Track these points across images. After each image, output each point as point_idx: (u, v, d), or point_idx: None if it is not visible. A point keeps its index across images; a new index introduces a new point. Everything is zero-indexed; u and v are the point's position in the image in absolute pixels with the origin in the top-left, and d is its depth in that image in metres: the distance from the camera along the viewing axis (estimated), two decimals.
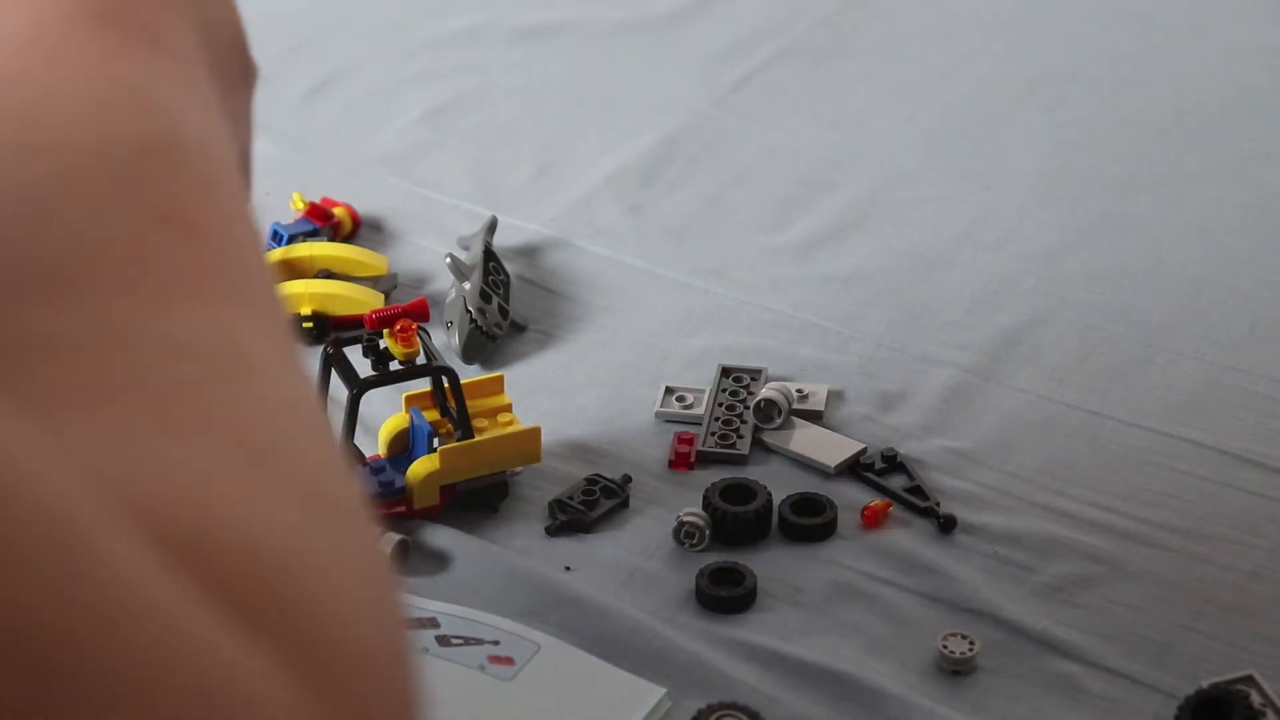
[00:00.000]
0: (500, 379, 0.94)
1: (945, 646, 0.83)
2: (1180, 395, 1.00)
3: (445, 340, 1.02)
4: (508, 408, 0.92)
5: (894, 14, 1.36)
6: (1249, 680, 0.82)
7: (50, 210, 0.46)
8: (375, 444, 0.93)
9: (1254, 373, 1.01)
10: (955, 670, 0.83)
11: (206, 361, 0.44)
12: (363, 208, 1.13)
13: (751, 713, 0.79)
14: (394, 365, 0.89)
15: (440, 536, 0.89)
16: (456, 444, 0.90)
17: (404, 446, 0.92)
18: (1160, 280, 1.09)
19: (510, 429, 0.91)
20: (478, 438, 0.90)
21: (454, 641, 0.83)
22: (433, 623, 0.84)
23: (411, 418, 0.91)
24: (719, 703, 0.80)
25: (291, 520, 0.41)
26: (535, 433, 0.92)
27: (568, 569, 0.89)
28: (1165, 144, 1.21)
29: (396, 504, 0.90)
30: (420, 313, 0.89)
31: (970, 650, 0.83)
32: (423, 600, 0.85)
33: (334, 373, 0.89)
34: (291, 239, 1.08)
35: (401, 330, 0.88)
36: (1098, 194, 1.16)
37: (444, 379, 0.90)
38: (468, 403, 0.90)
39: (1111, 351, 1.03)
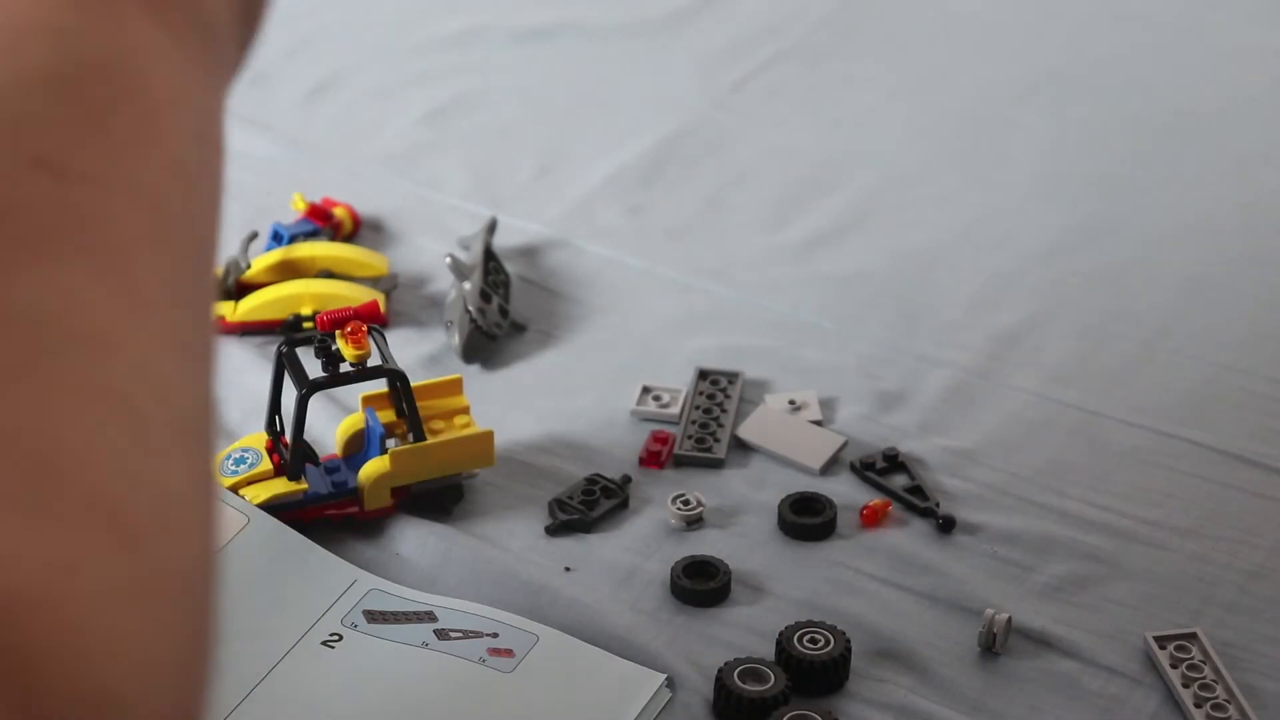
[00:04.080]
0: (459, 381, 0.93)
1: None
2: (1180, 395, 1.00)
3: (445, 340, 1.02)
4: (465, 410, 0.92)
5: (894, 14, 1.36)
6: (1193, 638, 0.84)
7: None
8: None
9: (1254, 373, 1.01)
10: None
11: (29, 340, 0.40)
12: (363, 208, 1.14)
13: (835, 630, 0.83)
14: (345, 367, 0.89)
15: (435, 535, 0.89)
16: (407, 446, 0.90)
17: (359, 447, 0.92)
18: (1160, 280, 1.09)
19: (463, 432, 0.91)
20: (431, 440, 0.90)
21: (452, 635, 0.83)
22: (430, 616, 0.84)
23: (366, 419, 0.92)
24: (737, 658, 0.80)
25: (65, 552, 0.37)
26: (488, 436, 0.91)
27: (568, 569, 0.89)
28: (1165, 144, 1.21)
29: (349, 504, 0.90)
30: (372, 315, 0.89)
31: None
32: (418, 594, 0.86)
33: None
34: (292, 239, 1.08)
35: (352, 332, 0.88)
36: (1098, 194, 1.16)
37: (396, 382, 0.90)
38: (425, 404, 0.90)
39: (1111, 351, 1.03)
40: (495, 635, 0.83)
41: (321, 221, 1.10)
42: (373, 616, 0.84)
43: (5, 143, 0.43)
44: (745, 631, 0.85)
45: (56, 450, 0.39)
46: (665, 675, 0.81)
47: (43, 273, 0.41)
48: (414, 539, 0.89)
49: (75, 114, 0.44)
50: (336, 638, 0.83)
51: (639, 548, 0.90)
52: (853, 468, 0.94)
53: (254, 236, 1.07)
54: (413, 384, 0.90)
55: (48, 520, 0.37)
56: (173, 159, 0.45)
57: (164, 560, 0.39)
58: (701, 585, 0.87)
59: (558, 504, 0.92)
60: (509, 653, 0.82)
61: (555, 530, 0.91)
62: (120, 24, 0.47)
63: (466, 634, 0.83)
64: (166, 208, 0.44)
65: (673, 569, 0.88)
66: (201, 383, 0.43)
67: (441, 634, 0.83)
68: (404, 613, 0.85)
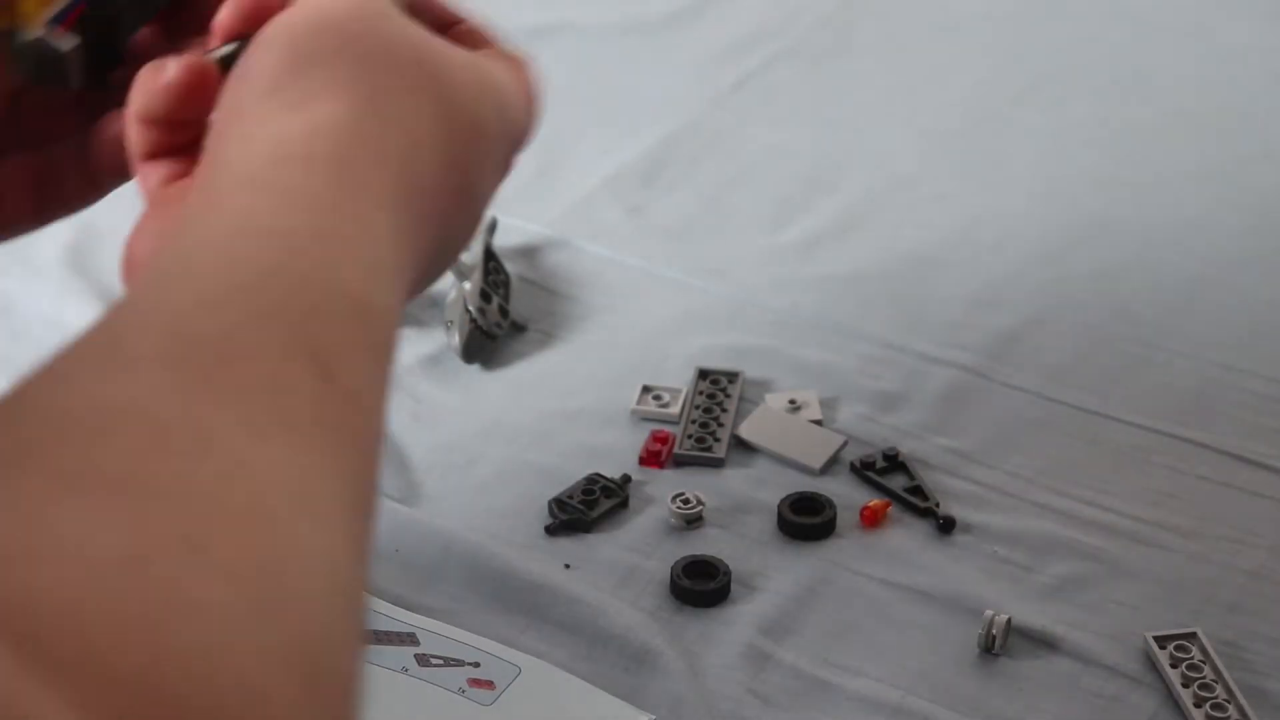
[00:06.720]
0: None
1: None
2: (1180, 395, 1.00)
3: (446, 340, 1.02)
4: None
5: (894, 14, 1.36)
6: (1193, 638, 0.84)
7: (200, 331, 0.49)
8: None
9: (1254, 373, 1.01)
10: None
11: (238, 496, 0.45)
12: None
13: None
14: None
15: (435, 534, 0.89)
16: None
17: None
18: (1160, 280, 1.09)
19: None
20: None
21: (433, 661, 0.82)
22: (412, 639, 0.83)
23: None
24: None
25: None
26: None
27: (567, 566, 0.89)
28: (1165, 144, 1.21)
29: None
30: None
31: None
32: (403, 613, 0.84)
33: None
34: None
35: None
36: (1098, 194, 1.16)
37: None
38: None
39: (1111, 351, 1.03)
40: (477, 665, 0.82)
41: None
42: None
43: (290, 333, 0.49)
44: (743, 631, 0.85)
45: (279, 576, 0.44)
46: (651, 716, 0.80)
47: (287, 446, 0.47)
48: (414, 537, 0.89)
49: (346, 334, 0.51)
50: None
51: (639, 547, 0.90)
52: (853, 468, 0.94)
53: None
54: None
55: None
56: (383, 415, 0.52)
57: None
58: (701, 585, 0.87)
59: (558, 504, 0.92)
60: (489, 684, 0.81)
61: (555, 530, 0.91)
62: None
63: (447, 661, 0.82)
64: (378, 445, 0.51)
65: (673, 569, 0.88)
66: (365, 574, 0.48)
67: (422, 659, 0.82)
68: (386, 632, 0.83)
